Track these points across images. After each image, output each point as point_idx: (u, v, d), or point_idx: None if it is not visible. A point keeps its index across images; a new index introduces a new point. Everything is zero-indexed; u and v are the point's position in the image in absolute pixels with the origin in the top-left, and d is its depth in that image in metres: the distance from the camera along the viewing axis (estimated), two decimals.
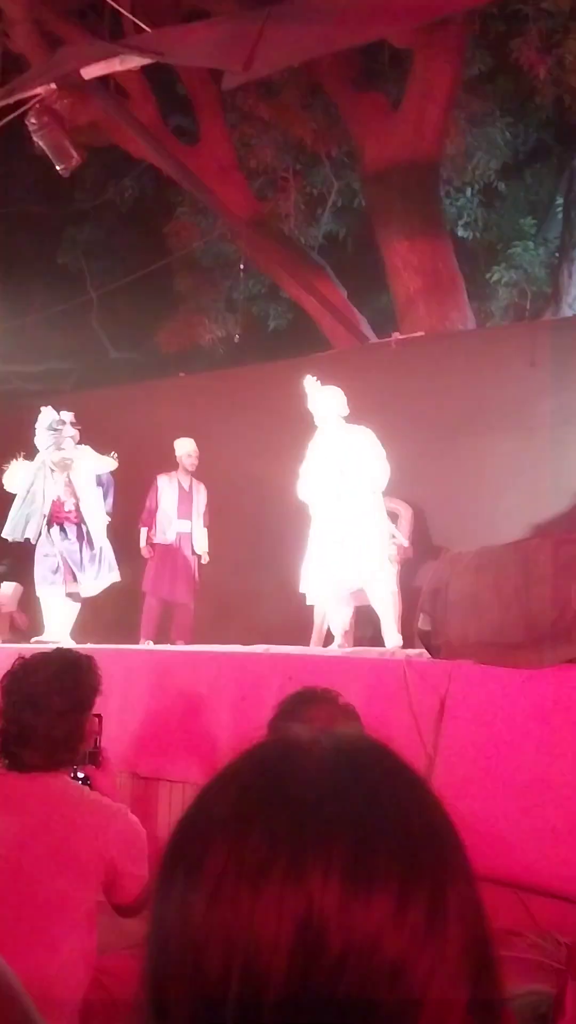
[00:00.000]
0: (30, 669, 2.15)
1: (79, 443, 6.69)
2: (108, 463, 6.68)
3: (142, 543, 7.03)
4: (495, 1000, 0.54)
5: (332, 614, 5.60)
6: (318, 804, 0.54)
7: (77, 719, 2.12)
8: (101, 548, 6.54)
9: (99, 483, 6.63)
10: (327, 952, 0.50)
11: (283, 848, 0.52)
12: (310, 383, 5.70)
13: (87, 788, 2.24)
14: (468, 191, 11.36)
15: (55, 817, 2.00)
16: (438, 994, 0.51)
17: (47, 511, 6.47)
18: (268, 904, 0.51)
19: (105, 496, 6.66)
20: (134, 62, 6.92)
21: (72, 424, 6.67)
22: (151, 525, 7.03)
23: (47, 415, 6.71)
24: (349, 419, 5.66)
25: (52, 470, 6.55)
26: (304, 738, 0.60)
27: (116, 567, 6.64)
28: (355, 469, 5.44)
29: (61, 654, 2.28)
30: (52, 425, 6.65)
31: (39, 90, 7.08)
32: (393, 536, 5.84)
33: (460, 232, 11.39)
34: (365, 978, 0.50)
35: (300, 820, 0.53)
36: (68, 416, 6.72)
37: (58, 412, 6.76)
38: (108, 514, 6.69)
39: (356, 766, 0.57)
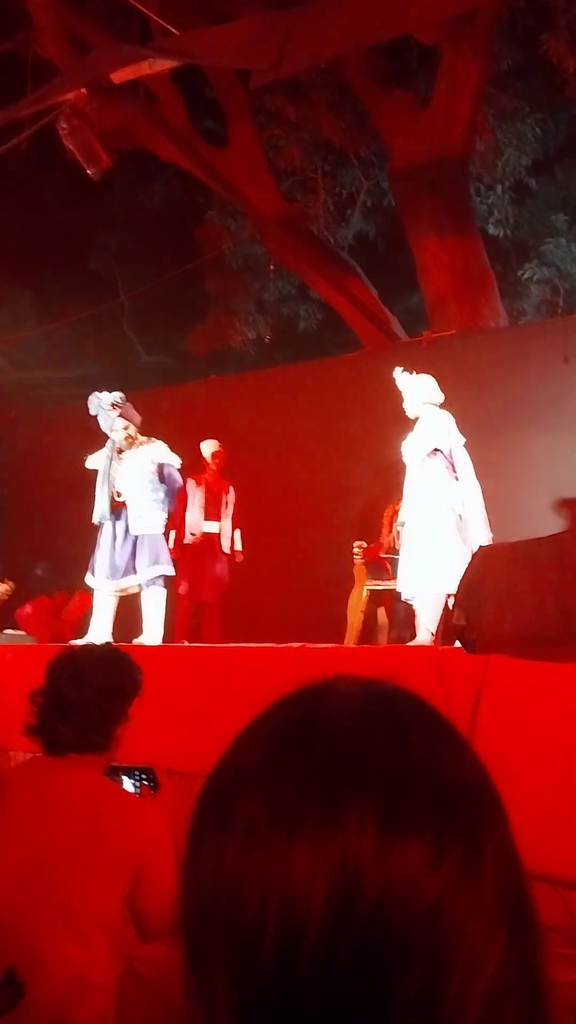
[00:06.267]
0: (78, 653, 2.28)
1: (146, 435, 6.59)
2: (171, 456, 6.55)
3: (170, 545, 7.05)
4: (532, 949, 0.53)
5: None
6: (351, 749, 0.54)
7: (114, 704, 2.16)
8: (143, 540, 6.35)
9: (161, 477, 6.50)
10: (363, 897, 0.49)
11: (316, 793, 0.52)
12: (398, 374, 5.70)
13: (119, 785, 2.27)
14: (498, 188, 11.30)
15: (86, 807, 2.02)
16: (473, 939, 0.50)
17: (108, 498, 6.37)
18: (302, 849, 0.51)
19: (166, 492, 6.51)
20: (163, 65, 6.98)
21: (114, 405, 6.55)
22: (178, 528, 7.05)
23: (91, 401, 6.63)
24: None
25: (110, 456, 6.46)
26: (334, 686, 0.60)
27: (165, 561, 6.42)
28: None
29: (109, 647, 2.38)
30: (97, 410, 6.58)
31: (69, 95, 7.16)
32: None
33: (491, 229, 11.32)
34: (401, 922, 0.49)
35: (333, 765, 0.53)
36: (108, 397, 6.61)
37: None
38: (166, 510, 6.51)
39: (388, 712, 0.57)
